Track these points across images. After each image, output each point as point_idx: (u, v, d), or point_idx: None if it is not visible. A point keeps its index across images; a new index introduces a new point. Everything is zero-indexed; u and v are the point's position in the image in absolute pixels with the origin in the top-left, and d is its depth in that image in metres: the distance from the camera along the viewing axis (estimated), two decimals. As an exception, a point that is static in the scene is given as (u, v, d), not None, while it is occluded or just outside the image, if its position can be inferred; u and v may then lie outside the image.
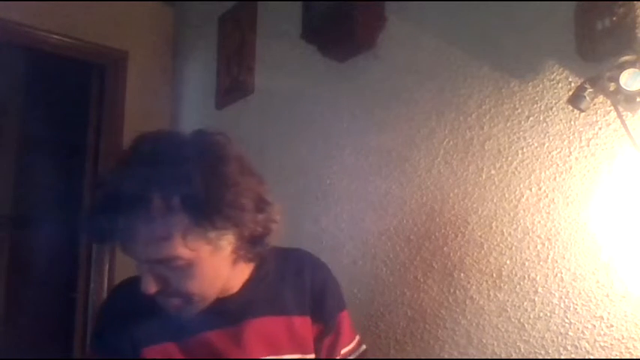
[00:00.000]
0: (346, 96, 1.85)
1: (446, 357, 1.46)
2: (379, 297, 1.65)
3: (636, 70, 1.08)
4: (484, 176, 1.45)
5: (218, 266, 0.93)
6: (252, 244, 0.94)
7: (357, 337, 1.15)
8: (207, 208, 0.84)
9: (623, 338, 1.16)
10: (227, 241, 0.91)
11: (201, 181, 0.83)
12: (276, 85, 2.16)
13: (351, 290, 1.73)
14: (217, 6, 2.54)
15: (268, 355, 1.00)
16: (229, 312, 0.98)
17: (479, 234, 1.43)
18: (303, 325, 1.05)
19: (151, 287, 0.89)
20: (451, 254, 1.49)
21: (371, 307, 1.67)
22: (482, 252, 1.42)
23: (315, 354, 1.07)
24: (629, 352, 1.15)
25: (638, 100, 1.13)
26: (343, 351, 1.11)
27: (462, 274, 1.46)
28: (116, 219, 0.83)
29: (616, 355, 1.16)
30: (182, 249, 0.86)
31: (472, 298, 1.43)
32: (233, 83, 2.38)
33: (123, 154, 0.89)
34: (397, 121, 1.67)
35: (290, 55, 2.09)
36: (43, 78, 3.10)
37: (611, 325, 1.18)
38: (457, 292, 1.46)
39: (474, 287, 1.43)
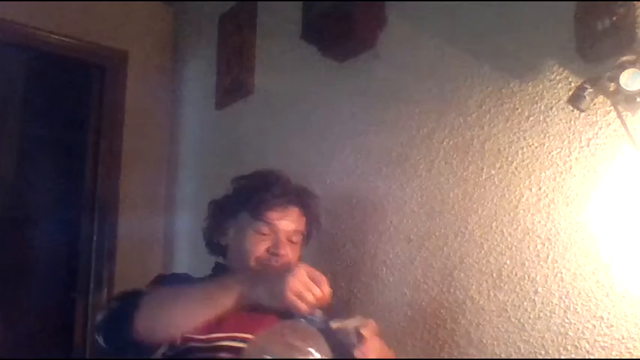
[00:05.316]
0: (346, 96, 1.85)
1: (446, 357, 1.46)
2: (379, 297, 1.65)
3: (636, 70, 1.08)
4: (484, 176, 1.45)
5: None
6: None
7: None
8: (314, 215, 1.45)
9: (623, 338, 1.16)
10: None
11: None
12: (276, 85, 2.16)
13: (351, 290, 1.73)
14: (217, 6, 2.54)
15: None
16: None
17: (479, 234, 1.43)
18: None
19: (287, 251, 1.33)
20: (451, 254, 1.49)
21: (371, 307, 1.67)
22: (483, 252, 1.42)
23: None
24: (629, 352, 1.15)
25: (638, 100, 1.13)
26: None
27: (462, 274, 1.46)
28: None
29: (616, 355, 1.16)
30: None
31: (472, 298, 1.43)
32: (233, 83, 2.38)
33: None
34: (397, 121, 1.67)
35: (290, 55, 2.09)
36: (43, 78, 3.10)
37: (611, 325, 1.18)
38: (457, 292, 1.46)
39: (474, 287, 1.43)
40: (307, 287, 1.02)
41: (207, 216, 1.47)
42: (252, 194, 1.36)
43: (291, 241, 1.36)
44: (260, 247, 1.33)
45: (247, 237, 1.34)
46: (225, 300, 1.07)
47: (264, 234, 1.34)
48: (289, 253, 1.35)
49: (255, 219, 1.34)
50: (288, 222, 1.36)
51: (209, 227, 1.46)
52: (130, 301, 1.13)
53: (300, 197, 1.41)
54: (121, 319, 1.11)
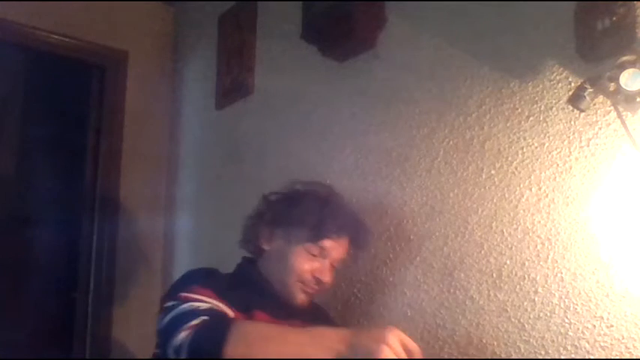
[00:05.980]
0: (346, 96, 1.85)
1: (446, 357, 1.46)
2: (379, 297, 1.65)
3: (636, 70, 1.08)
4: (484, 176, 1.45)
5: None
6: None
7: None
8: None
9: (623, 338, 1.16)
10: None
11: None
12: (276, 85, 2.16)
13: (351, 290, 1.73)
14: (217, 6, 2.54)
15: None
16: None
17: (479, 234, 1.43)
18: None
19: (329, 277, 1.37)
20: (451, 254, 1.49)
21: (371, 307, 1.67)
22: (482, 252, 1.42)
23: None
24: (629, 352, 1.15)
25: (638, 100, 1.13)
26: None
27: (462, 274, 1.46)
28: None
29: (616, 355, 1.16)
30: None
31: (472, 298, 1.43)
32: (233, 83, 2.38)
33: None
34: (397, 121, 1.67)
35: (290, 55, 2.09)
36: (43, 78, 3.09)
37: (611, 325, 1.18)
38: (457, 292, 1.46)
39: (474, 287, 1.43)
40: (400, 357, 1.01)
41: (255, 213, 1.45)
42: (315, 215, 1.36)
43: (333, 266, 1.40)
44: (305, 267, 1.35)
45: (296, 253, 1.36)
46: (320, 354, 1.06)
47: (313, 255, 1.36)
48: (330, 279, 1.39)
49: (311, 240, 1.35)
50: (339, 251, 1.39)
51: (256, 227, 1.44)
52: (217, 327, 1.11)
53: (356, 230, 1.43)
54: (208, 346, 1.08)
